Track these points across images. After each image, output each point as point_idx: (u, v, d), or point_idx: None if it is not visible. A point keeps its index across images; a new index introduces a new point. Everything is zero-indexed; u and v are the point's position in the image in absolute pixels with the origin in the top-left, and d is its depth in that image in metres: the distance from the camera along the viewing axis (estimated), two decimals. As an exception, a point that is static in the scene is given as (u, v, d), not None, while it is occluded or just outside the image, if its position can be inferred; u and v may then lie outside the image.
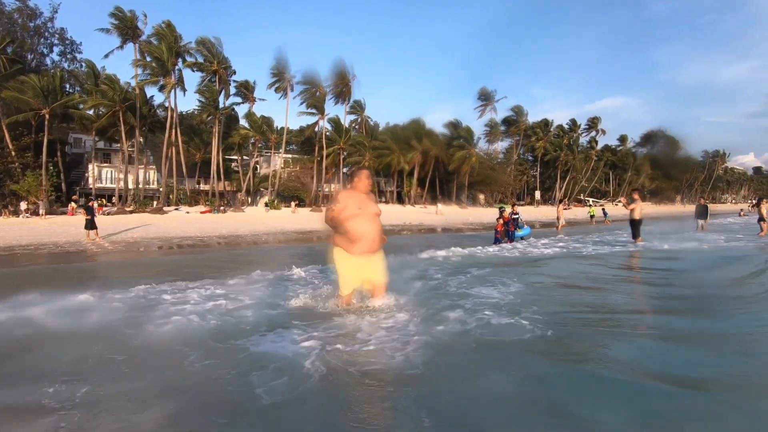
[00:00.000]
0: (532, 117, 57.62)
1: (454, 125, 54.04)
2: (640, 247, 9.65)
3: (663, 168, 63.02)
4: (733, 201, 76.45)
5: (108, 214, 28.35)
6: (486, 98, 56.41)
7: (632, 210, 10.73)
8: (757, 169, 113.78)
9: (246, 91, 42.26)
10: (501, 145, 58.15)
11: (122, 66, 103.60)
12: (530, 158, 57.86)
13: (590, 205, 35.39)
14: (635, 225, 10.71)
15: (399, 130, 51.35)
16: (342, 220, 3.68)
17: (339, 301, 3.82)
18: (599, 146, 59.70)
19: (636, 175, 61.40)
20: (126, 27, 33.38)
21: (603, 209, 28.73)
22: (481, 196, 53.21)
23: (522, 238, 12.88)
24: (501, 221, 12.29)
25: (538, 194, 55.25)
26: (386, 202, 52.42)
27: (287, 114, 44.85)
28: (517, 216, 13.47)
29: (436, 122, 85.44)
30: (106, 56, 34.70)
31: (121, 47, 34.34)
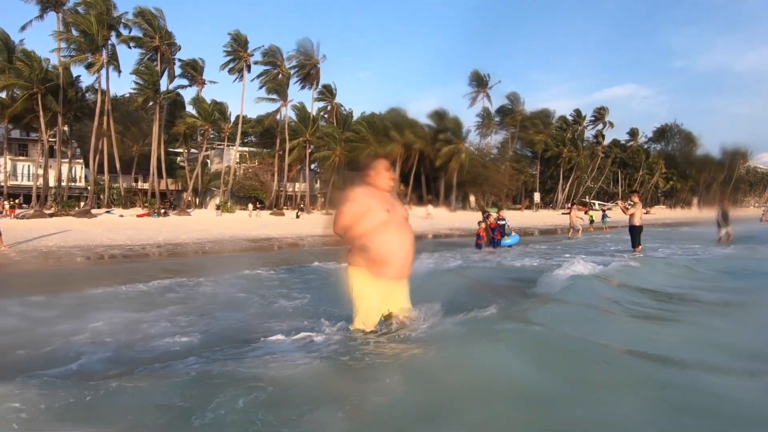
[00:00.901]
0: (531, 106, 58.69)
1: (440, 115, 54.96)
2: (641, 256, 9.73)
3: (678, 167, 65.40)
4: (756, 205, 79.47)
5: (22, 217, 27.85)
6: (478, 83, 57.57)
7: (632, 215, 10.89)
8: None
9: (193, 72, 42.13)
10: (495, 139, 59.40)
11: (42, 40, 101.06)
12: (529, 154, 59.23)
13: (592, 209, 36.36)
14: (635, 232, 10.90)
15: (376, 120, 51.84)
16: (363, 232, 3.17)
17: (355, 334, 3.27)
18: (606, 141, 61.43)
19: (649, 175, 63.39)
20: (47, -8, 33.02)
21: (604, 213, 29.64)
22: (472, 198, 54.14)
23: (509, 246, 13.39)
24: (483, 225, 13.08)
25: (537, 196, 56.40)
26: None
27: (243, 100, 45.31)
28: (503, 222, 14.07)
29: (420, 112, 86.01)
30: (23, 28, 34.05)
31: (41, 17, 33.89)
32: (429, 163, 53.75)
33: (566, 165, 56.67)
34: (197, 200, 43.00)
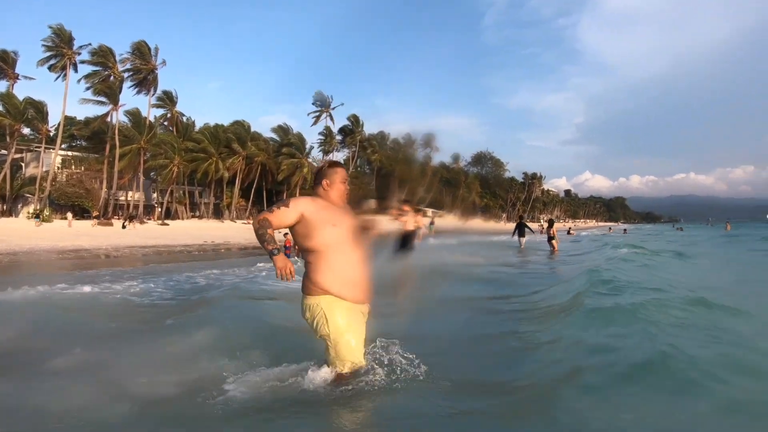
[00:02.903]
0: (376, 128, 64.71)
1: (285, 130, 57.08)
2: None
3: (491, 187, 77.77)
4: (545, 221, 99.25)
5: None
6: (322, 104, 61.21)
7: (405, 222, 11.04)
8: (567, 192, 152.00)
9: (3, 64, 37.89)
10: (338, 156, 63.46)
11: None
12: (368, 171, 64.67)
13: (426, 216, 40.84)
14: (405, 237, 11.41)
15: (219, 132, 51.77)
16: (324, 248, 2.87)
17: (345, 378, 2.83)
18: (435, 162, 70.12)
19: (467, 192, 74.12)
20: None
21: (432, 222, 33.25)
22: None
23: None
24: (288, 236, 13.29)
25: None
26: (200, 216, 51.81)
27: (66, 100, 40.84)
28: None
29: (265, 126, 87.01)
30: None
31: None
32: (271, 177, 55.11)
33: (401, 180, 63.21)
34: (5, 207, 38.23)
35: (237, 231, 33.78)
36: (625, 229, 55.70)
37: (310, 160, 56.94)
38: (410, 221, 11.20)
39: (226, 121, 55.56)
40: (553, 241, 17.28)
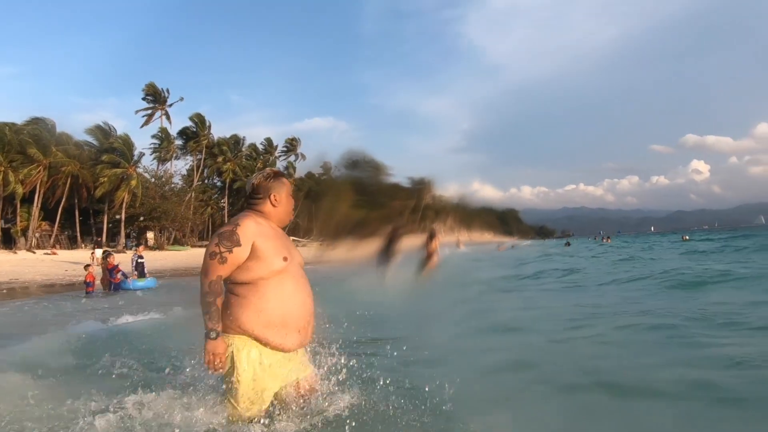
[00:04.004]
0: (230, 130, 54.41)
1: (105, 132, 44.88)
2: None
3: (370, 194, 70.71)
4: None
5: None
6: (155, 99, 49.28)
7: None
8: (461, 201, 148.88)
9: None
10: (179, 166, 51.94)
11: None
12: (218, 184, 53.81)
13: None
14: None
15: (7, 133, 39.04)
16: (252, 282, 2.37)
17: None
18: (301, 173, 61.43)
19: (334, 203, 65.84)
20: None
21: None
22: (150, 235, 45.15)
23: (142, 290, 13.00)
24: (90, 269, 12.77)
25: (227, 230, 51.87)
26: (-25, 247, 37.91)
27: None
28: (142, 261, 14.40)
29: (79, 126, 70.73)
30: None
31: None
32: (87, 192, 42.69)
33: (258, 197, 53.79)
34: None
35: (33, 264, 25.51)
36: (513, 245, 52.37)
37: (140, 170, 45.27)
38: None
39: (18, 118, 42.05)
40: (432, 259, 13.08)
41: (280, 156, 58.91)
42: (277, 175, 2.64)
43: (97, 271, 13.35)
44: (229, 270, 2.34)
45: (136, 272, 14.23)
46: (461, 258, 27.63)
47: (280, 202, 2.54)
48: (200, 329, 2.45)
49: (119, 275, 13.06)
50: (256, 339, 2.37)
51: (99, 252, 14.89)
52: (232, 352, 2.36)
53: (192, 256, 38.22)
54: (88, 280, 12.45)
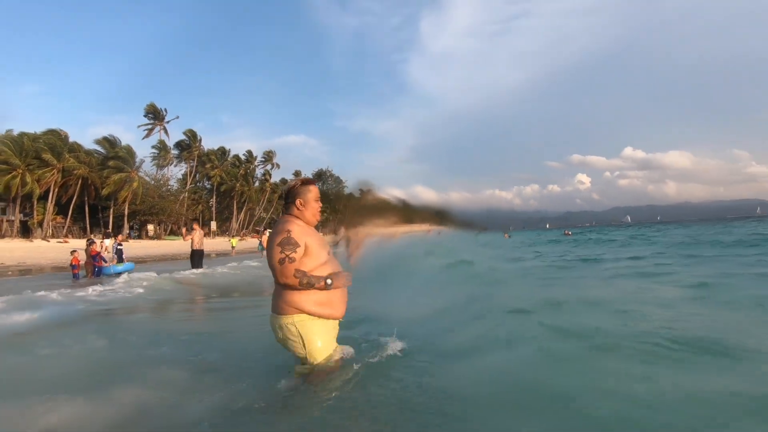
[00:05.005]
0: (221, 144, 61.55)
1: (111, 142, 50.71)
2: (198, 273, 11.18)
3: (331, 203, 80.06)
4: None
5: None
6: (155, 116, 55.99)
7: (192, 240, 12.21)
8: (403, 202, 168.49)
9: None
10: (175, 171, 58.60)
11: None
12: (207, 186, 60.79)
13: (233, 237, 39.69)
14: (194, 255, 12.25)
15: (27, 142, 44.06)
16: (310, 273, 2.69)
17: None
18: (276, 179, 69.06)
19: (308, 207, 74.54)
20: None
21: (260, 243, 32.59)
22: (150, 227, 51.60)
23: (119, 273, 12.81)
24: (76, 254, 12.78)
25: (214, 225, 58.34)
26: (2, 236, 43.08)
27: None
28: (121, 248, 14.50)
29: (89, 137, 76.45)
30: None
31: None
32: (95, 191, 48.51)
33: (240, 198, 60.74)
34: None
35: (45, 251, 29.06)
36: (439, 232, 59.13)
37: (141, 174, 51.63)
38: (196, 240, 12.24)
39: (37, 129, 47.57)
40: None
41: (258, 165, 66.25)
42: (305, 182, 2.89)
43: (82, 256, 13.36)
44: (300, 263, 2.63)
45: (116, 257, 14.58)
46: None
47: (306, 205, 2.81)
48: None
49: (102, 261, 13.43)
50: (311, 314, 2.68)
51: (108, 241, 15.26)
52: (299, 331, 2.66)
53: (185, 245, 44.10)
54: (73, 263, 12.76)
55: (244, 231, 60.29)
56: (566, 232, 59.50)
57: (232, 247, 31.34)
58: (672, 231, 39.61)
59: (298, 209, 2.81)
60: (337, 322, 2.88)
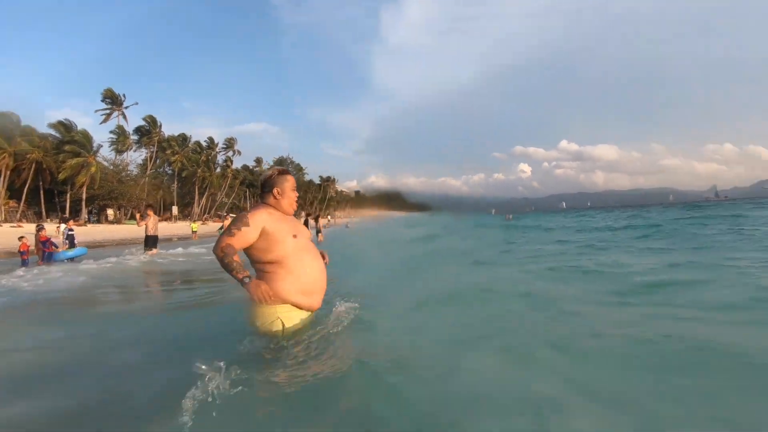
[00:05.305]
0: (183, 130, 60.94)
1: (66, 127, 49.50)
2: (148, 257, 11.56)
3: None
4: (340, 217, 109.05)
5: None
6: (113, 101, 54.89)
7: (145, 225, 12.55)
8: (357, 192, 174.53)
9: None
10: (135, 156, 57.78)
11: None
12: (168, 172, 60.29)
13: (194, 222, 38.79)
14: (148, 240, 12.62)
15: (-28, 125, 42.76)
16: (280, 258, 2.67)
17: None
18: (237, 165, 69.16)
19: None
20: None
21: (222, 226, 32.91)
22: (110, 211, 51.18)
23: (71, 258, 12.67)
24: (24, 240, 12.62)
25: (175, 209, 58.25)
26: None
27: None
28: (72, 233, 14.27)
29: (43, 122, 74.20)
30: None
31: None
32: (50, 176, 47.51)
33: (201, 183, 60.60)
34: None
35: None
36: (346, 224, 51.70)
37: (99, 159, 50.84)
38: (150, 225, 12.62)
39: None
40: (320, 234, 18.96)
41: (220, 151, 66.18)
42: (281, 172, 2.87)
43: (32, 241, 13.01)
44: (237, 243, 2.58)
45: (67, 243, 14.19)
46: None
47: (283, 194, 2.80)
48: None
49: (52, 246, 12.98)
50: (293, 304, 2.67)
51: (63, 226, 14.73)
52: (282, 319, 2.65)
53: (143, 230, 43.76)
54: (22, 250, 12.44)
55: (205, 216, 60.16)
56: (507, 216, 62.86)
57: (194, 231, 31.03)
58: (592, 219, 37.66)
59: (275, 198, 2.82)
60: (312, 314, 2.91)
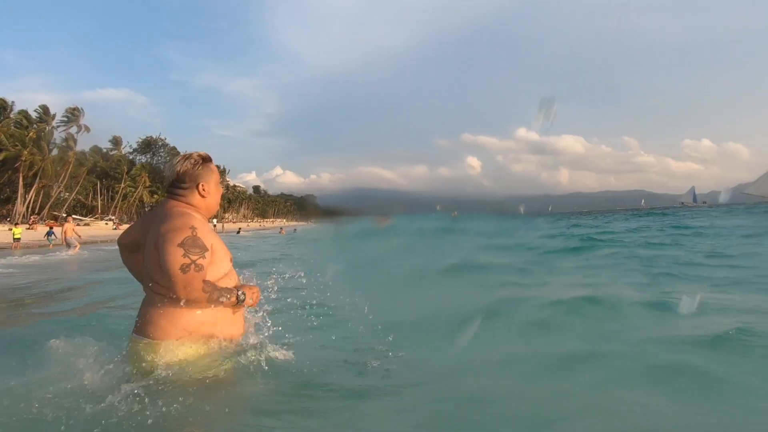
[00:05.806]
0: (3, 94, 44.43)
1: None
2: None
3: (164, 180, 66.53)
4: (234, 220, 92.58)
5: None
6: None
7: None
8: (257, 188, 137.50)
9: None
10: None
11: None
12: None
13: (16, 225, 30.44)
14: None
15: None
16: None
17: None
18: (85, 147, 53.93)
19: (132, 188, 60.25)
20: None
21: (51, 231, 24.74)
22: None
23: None
24: None
25: (-16, 207, 42.64)
26: None
27: None
28: None
29: None
30: None
31: None
32: None
33: (28, 170, 45.42)
34: None
35: None
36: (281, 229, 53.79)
37: None
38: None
39: None
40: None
41: (58, 126, 50.49)
42: (206, 160, 2.19)
43: None
44: (205, 275, 1.97)
45: None
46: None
47: (209, 192, 2.15)
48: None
49: None
50: (211, 336, 2.08)
51: None
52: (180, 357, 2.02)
53: None
54: None
55: (33, 217, 45.69)
56: (453, 213, 63.06)
57: (15, 239, 23.83)
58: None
59: (201, 196, 2.14)
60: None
